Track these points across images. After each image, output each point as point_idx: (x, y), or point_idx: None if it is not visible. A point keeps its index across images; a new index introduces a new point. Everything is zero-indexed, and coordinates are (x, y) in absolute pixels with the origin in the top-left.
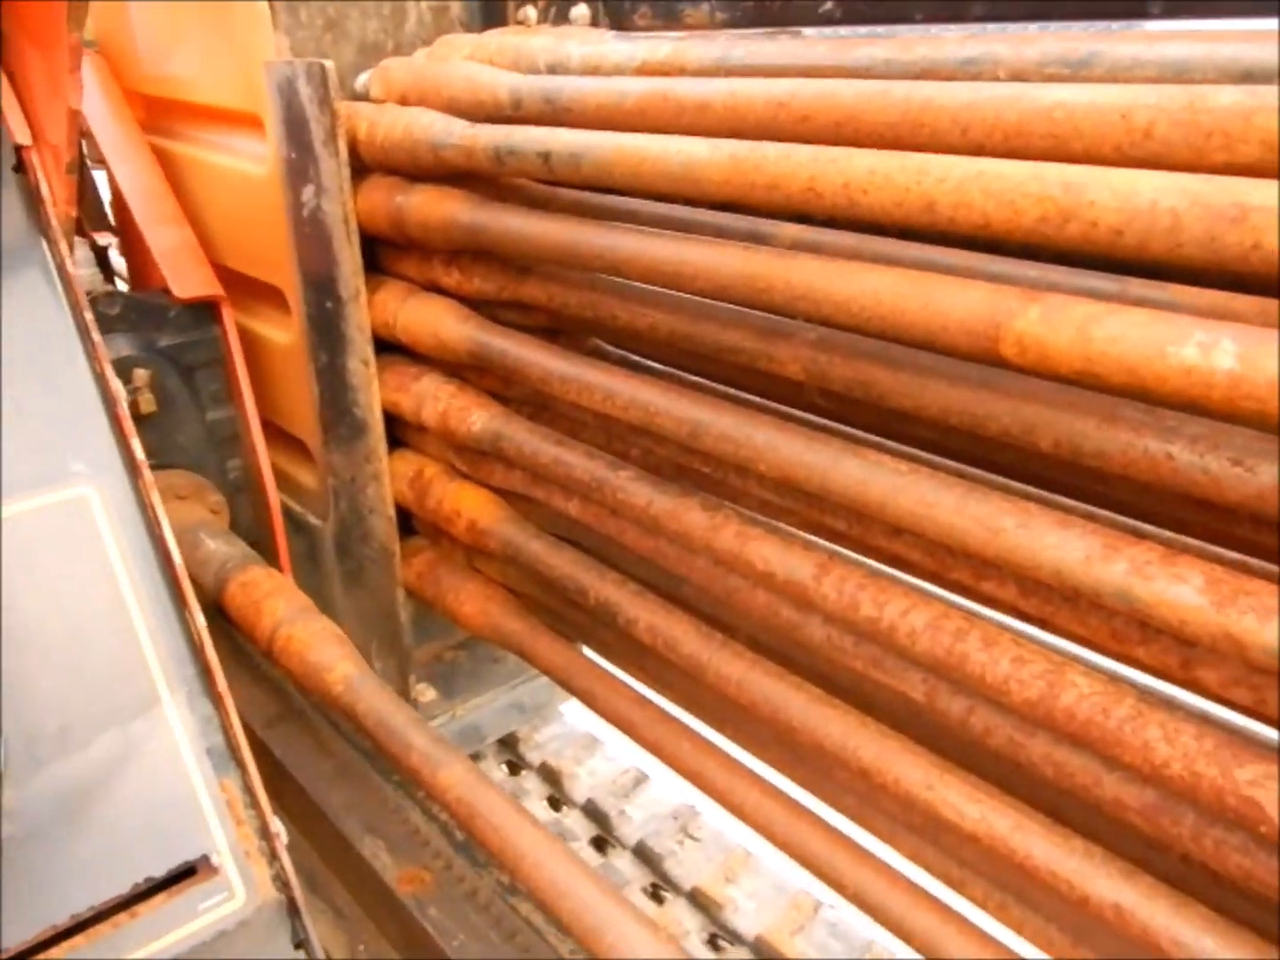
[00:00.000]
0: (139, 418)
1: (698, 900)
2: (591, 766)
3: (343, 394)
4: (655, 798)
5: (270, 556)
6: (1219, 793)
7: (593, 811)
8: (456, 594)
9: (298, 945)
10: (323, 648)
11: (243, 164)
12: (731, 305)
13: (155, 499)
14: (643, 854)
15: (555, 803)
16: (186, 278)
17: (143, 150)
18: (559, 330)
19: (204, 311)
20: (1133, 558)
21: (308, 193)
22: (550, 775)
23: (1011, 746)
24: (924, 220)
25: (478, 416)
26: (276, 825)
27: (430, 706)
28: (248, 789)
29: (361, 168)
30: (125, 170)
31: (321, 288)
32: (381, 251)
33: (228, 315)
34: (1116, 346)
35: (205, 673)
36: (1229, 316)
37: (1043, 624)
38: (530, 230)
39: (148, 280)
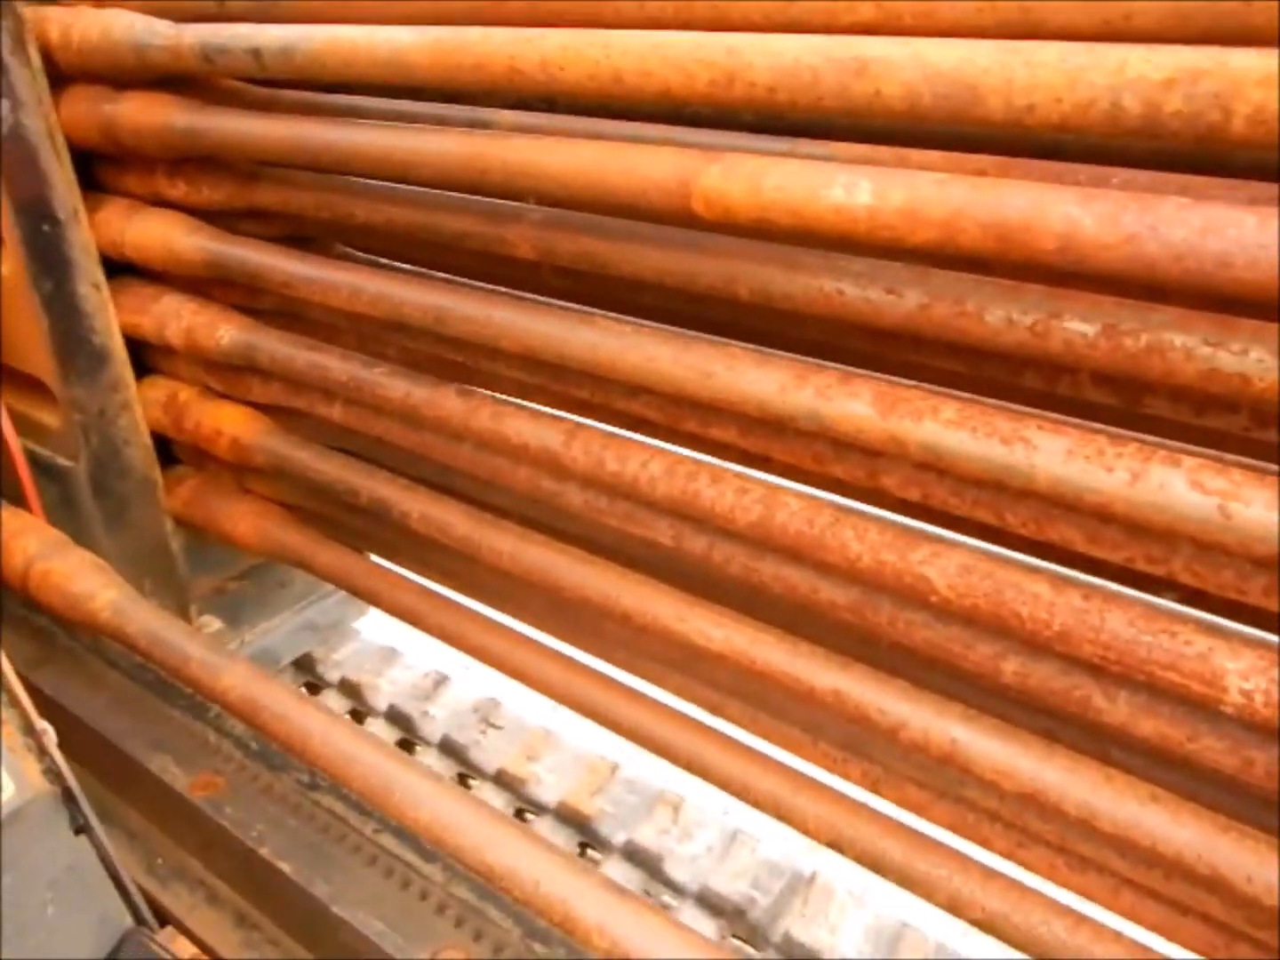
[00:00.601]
0: None
1: (502, 780)
2: (392, 676)
3: (76, 322)
4: (456, 695)
5: (16, 505)
6: (899, 574)
7: (396, 717)
8: (229, 516)
9: (78, 830)
10: (83, 577)
11: None
12: (459, 193)
13: None
14: (448, 748)
15: (358, 715)
16: None
17: None
18: (302, 238)
19: None
20: (817, 383)
21: (3, 108)
22: (351, 690)
23: (746, 572)
24: (616, 91)
25: (225, 330)
26: (42, 723)
27: (218, 637)
28: (7, 690)
29: (59, 76)
30: None
31: (35, 210)
32: (98, 167)
33: None
34: (781, 193)
35: None
36: (875, 164)
37: (764, 460)
38: (252, 130)
39: None
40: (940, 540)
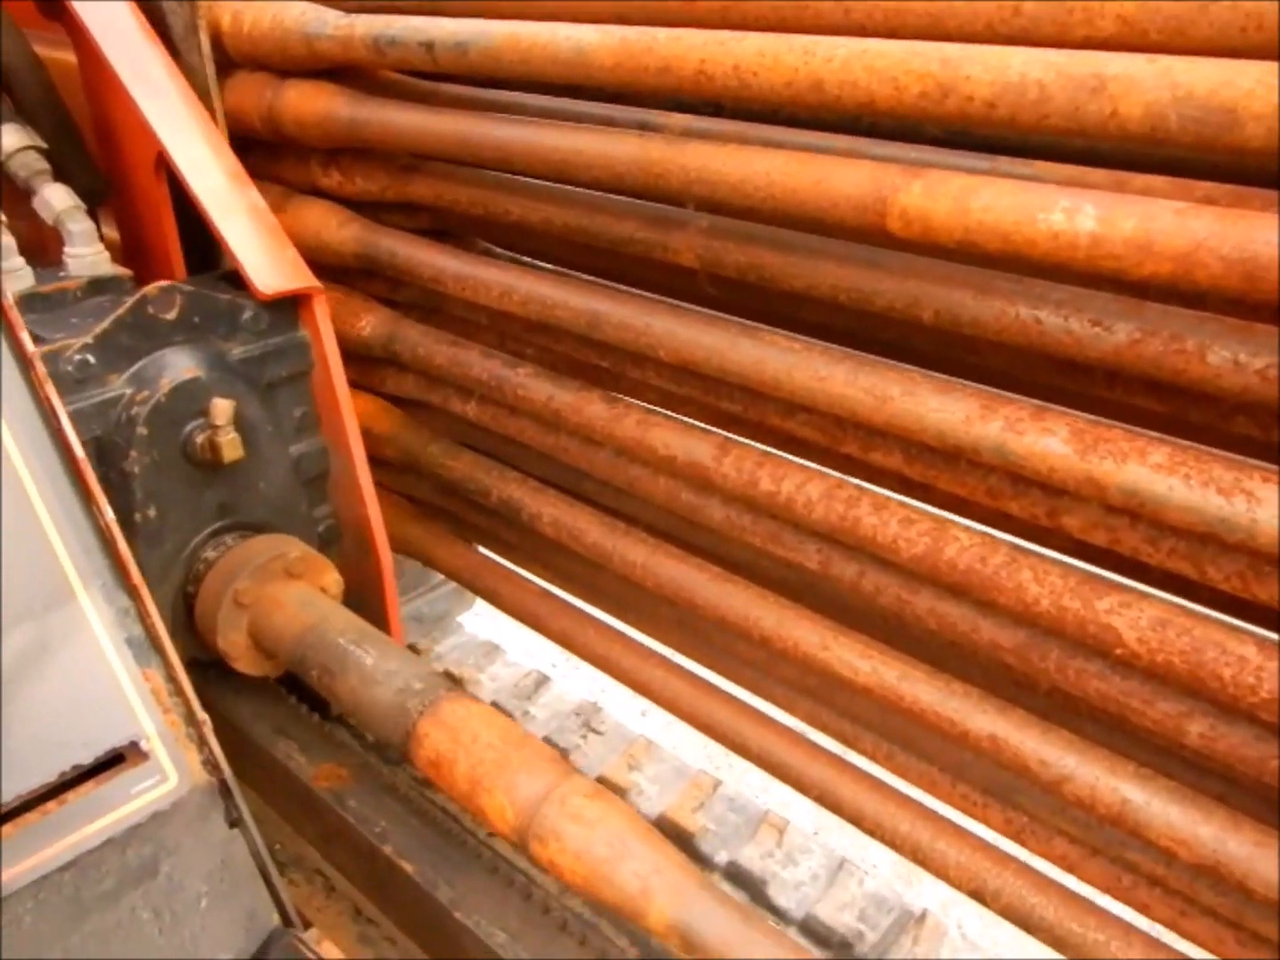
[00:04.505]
0: (219, 467)
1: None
2: (493, 672)
3: None
4: (558, 696)
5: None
6: (1081, 622)
7: None
8: None
9: (232, 824)
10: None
11: None
12: (624, 196)
13: (51, 392)
14: None
15: None
16: (269, 265)
17: (178, 83)
18: (446, 232)
19: (286, 308)
20: (1007, 415)
21: None
22: (453, 682)
23: (899, 604)
24: (812, 100)
25: (367, 321)
26: (203, 714)
27: None
28: (171, 678)
29: (226, 63)
30: (160, 114)
31: None
32: (254, 153)
33: (321, 311)
34: (991, 215)
35: (118, 565)
36: (1086, 188)
37: (925, 490)
38: (416, 124)
39: (149, 254)
40: (1130, 590)
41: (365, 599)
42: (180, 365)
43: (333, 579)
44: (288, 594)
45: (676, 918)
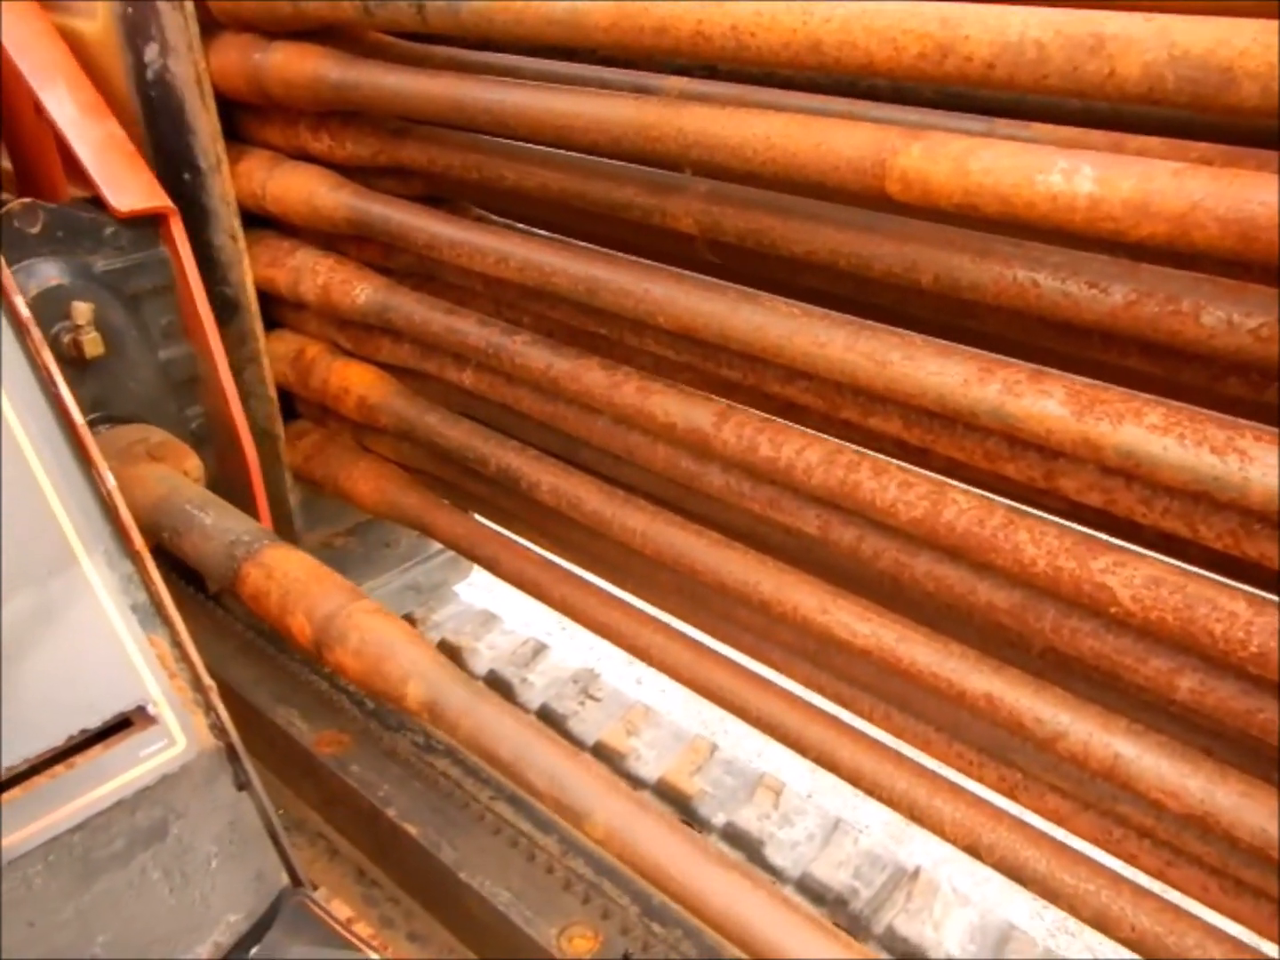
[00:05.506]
0: (83, 363)
1: (601, 753)
2: (491, 641)
3: (211, 272)
4: (555, 664)
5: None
6: (1077, 582)
7: (495, 681)
8: (349, 473)
9: (240, 787)
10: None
11: (68, 20)
12: (622, 161)
13: (48, 358)
14: (546, 716)
15: None
16: (125, 186)
17: (41, 22)
18: (440, 198)
19: (145, 227)
20: (1004, 378)
21: (151, 52)
22: (451, 651)
23: (897, 567)
24: (810, 61)
25: (362, 289)
26: (209, 679)
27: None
28: (177, 643)
29: (211, 23)
30: (22, 46)
31: (177, 158)
32: (240, 117)
33: (178, 231)
34: (991, 177)
35: (120, 531)
36: (1086, 148)
37: (923, 454)
38: (408, 86)
39: (38, 185)
40: (1123, 550)
41: (236, 492)
42: (46, 274)
43: (194, 464)
44: (148, 473)
45: (426, 697)
